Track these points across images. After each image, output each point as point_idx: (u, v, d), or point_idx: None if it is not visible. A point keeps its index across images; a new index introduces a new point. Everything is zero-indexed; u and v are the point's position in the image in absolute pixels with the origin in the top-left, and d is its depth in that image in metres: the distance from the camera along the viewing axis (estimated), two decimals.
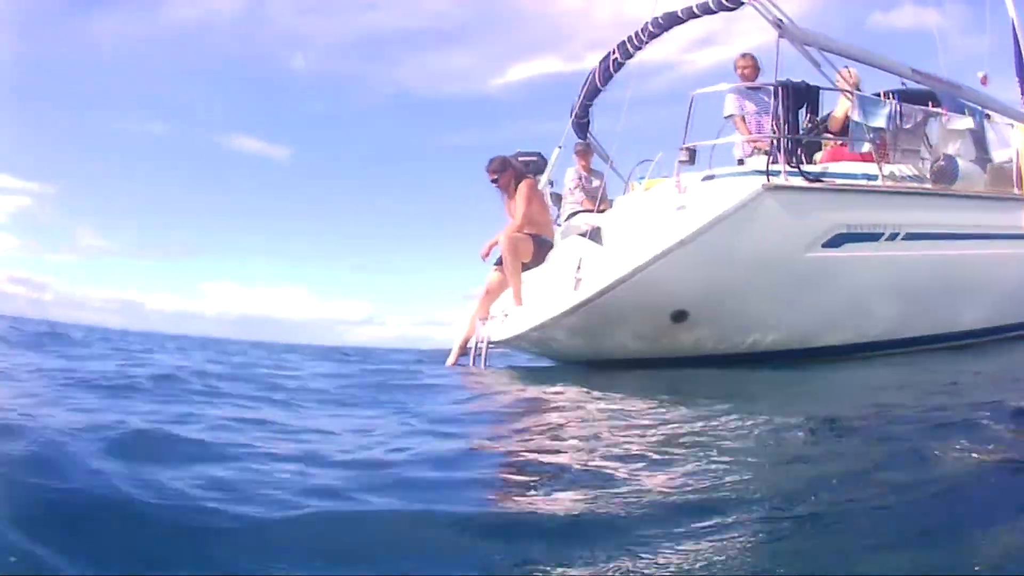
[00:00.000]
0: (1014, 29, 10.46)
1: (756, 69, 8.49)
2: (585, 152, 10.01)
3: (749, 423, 3.58)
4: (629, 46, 9.10)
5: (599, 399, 5.17)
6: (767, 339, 7.39)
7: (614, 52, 9.33)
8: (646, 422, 3.89)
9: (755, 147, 8.27)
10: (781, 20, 7.30)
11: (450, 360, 8.89)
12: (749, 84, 8.48)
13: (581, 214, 9.34)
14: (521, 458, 3.12)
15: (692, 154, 7.51)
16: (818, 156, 8.13)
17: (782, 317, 7.33)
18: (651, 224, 7.23)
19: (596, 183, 9.84)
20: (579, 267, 7.43)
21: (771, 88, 7.70)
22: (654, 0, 8.76)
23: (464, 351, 8.74)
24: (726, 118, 8.58)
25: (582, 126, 10.14)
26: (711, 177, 7.41)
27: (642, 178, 8.40)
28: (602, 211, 8.93)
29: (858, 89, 7.97)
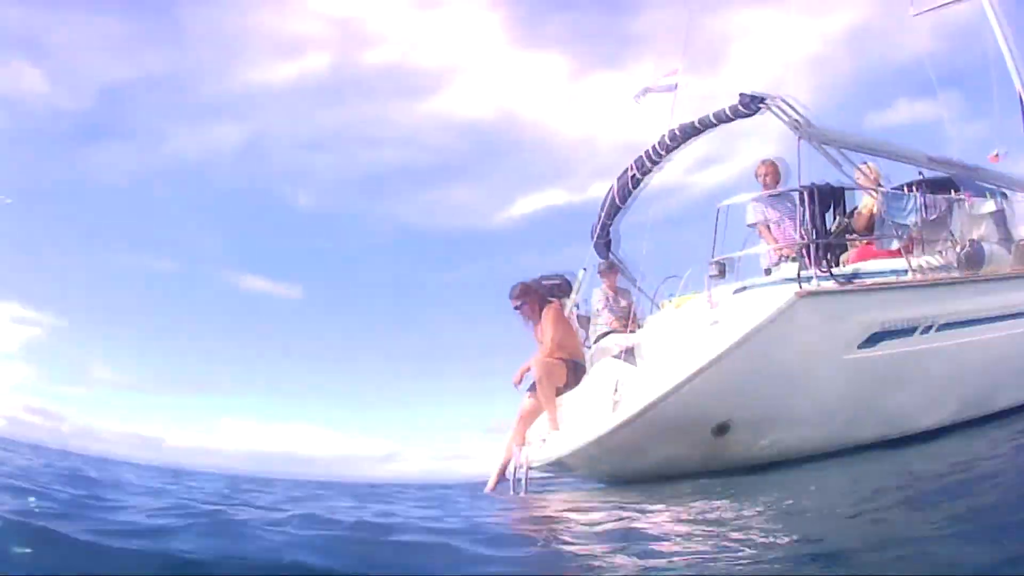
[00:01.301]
0: (1021, 102, 10.47)
1: (777, 175, 8.45)
2: (610, 272, 9.86)
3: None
4: (647, 160, 9.11)
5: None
6: (809, 443, 7.21)
7: (631, 168, 9.33)
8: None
9: (781, 255, 8.18)
10: (799, 122, 7.35)
11: (489, 486, 8.77)
12: (771, 192, 8.44)
13: (611, 335, 9.21)
14: None
15: (722, 268, 7.48)
16: (845, 256, 8.03)
17: (823, 421, 7.16)
18: (686, 341, 7.17)
19: (624, 303, 9.73)
20: (616, 389, 7.29)
21: (793, 193, 7.69)
22: (670, 112, 8.84)
23: (502, 477, 8.60)
24: (749, 226, 8.52)
25: (604, 246, 10.09)
26: (743, 289, 7.36)
27: (672, 295, 8.31)
28: (632, 330, 8.87)
29: (880, 184, 7.93)
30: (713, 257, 7.53)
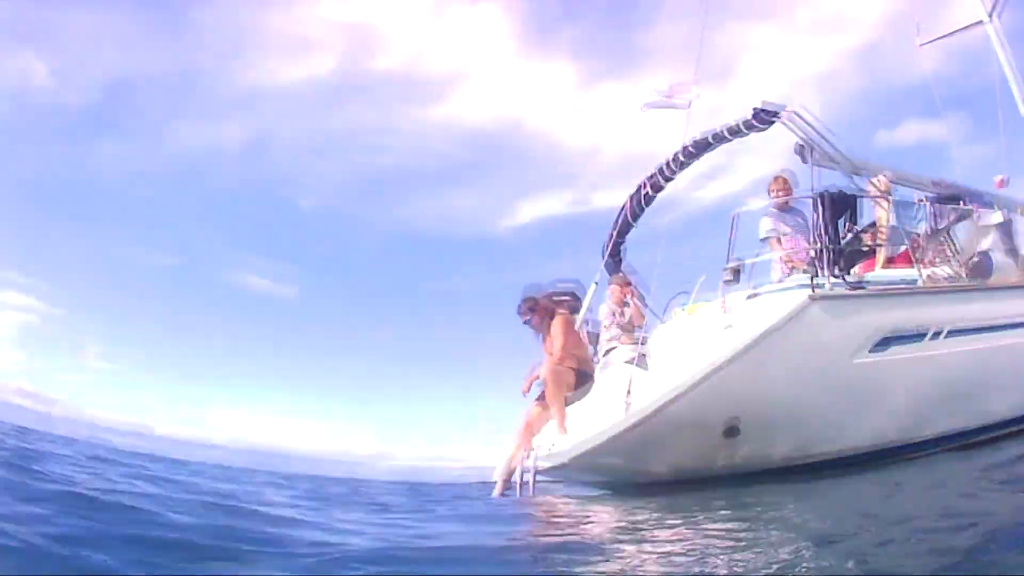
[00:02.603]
0: None
1: (789, 191, 8.51)
2: (624, 284, 9.87)
3: None
4: (660, 177, 9.23)
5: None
6: (818, 448, 7.26)
7: (644, 186, 9.45)
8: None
9: (792, 266, 8.24)
10: (803, 147, 7.53)
11: (496, 491, 8.70)
12: (782, 204, 8.51)
13: (619, 349, 9.24)
14: None
15: (736, 273, 7.56)
16: (856, 269, 8.10)
17: (832, 424, 7.21)
18: (699, 344, 7.21)
19: (626, 318, 9.77)
20: (629, 391, 7.31)
21: (806, 205, 7.80)
22: (683, 129, 8.95)
23: (508, 483, 8.58)
24: (762, 240, 8.59)
25: (616, 264, 10.19)
26: (755, 295, 7.41)
27: (684, 304, 8.36)
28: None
29: (889, 195, 8.03)
30: (728, 263, 7.62)
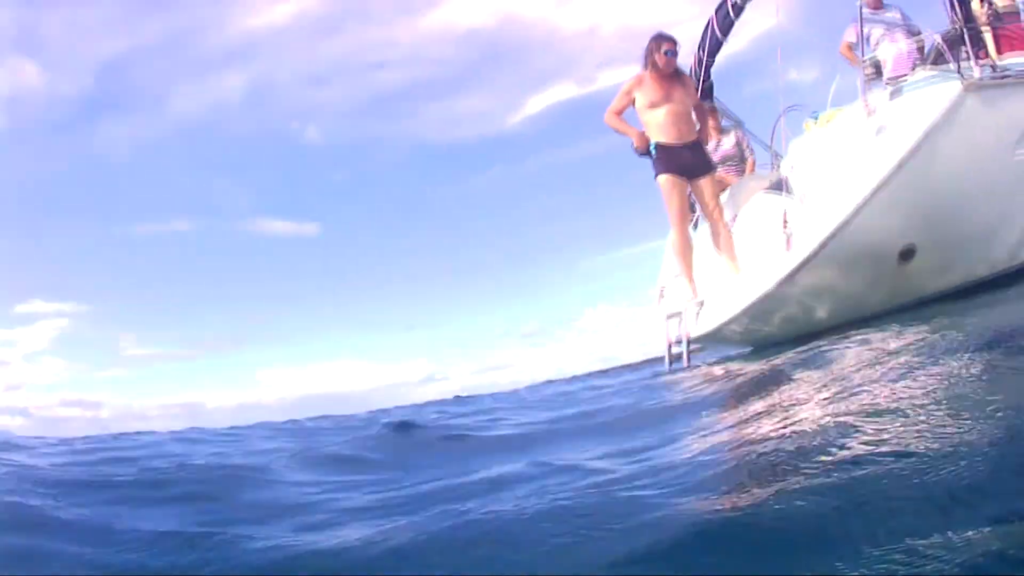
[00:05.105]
0: None
1: None
2: (712, 114, 8.92)
3: None
4: None
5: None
6: (998, 262, 6.60)
7: None
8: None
9: (915, 59, 7.35)
10: None
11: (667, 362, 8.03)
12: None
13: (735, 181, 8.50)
14: None
15: (878, 68, 6.72)
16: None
17: (1002, 234, 6.54)
18: (852, 156, 6.43)
19: (729, 146, 8.95)
20: (785, 221, 6.61)
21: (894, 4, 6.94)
22: None
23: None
24: (851, 45, 7.67)
25: (706, 90, 9.29)
26: (899, 91, 6.56)
27: (815, 114, 7.50)
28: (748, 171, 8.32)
29: None
30: (863, 56, 6.78)
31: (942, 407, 2.21)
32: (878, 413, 2.29)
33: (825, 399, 2.85)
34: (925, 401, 2.34)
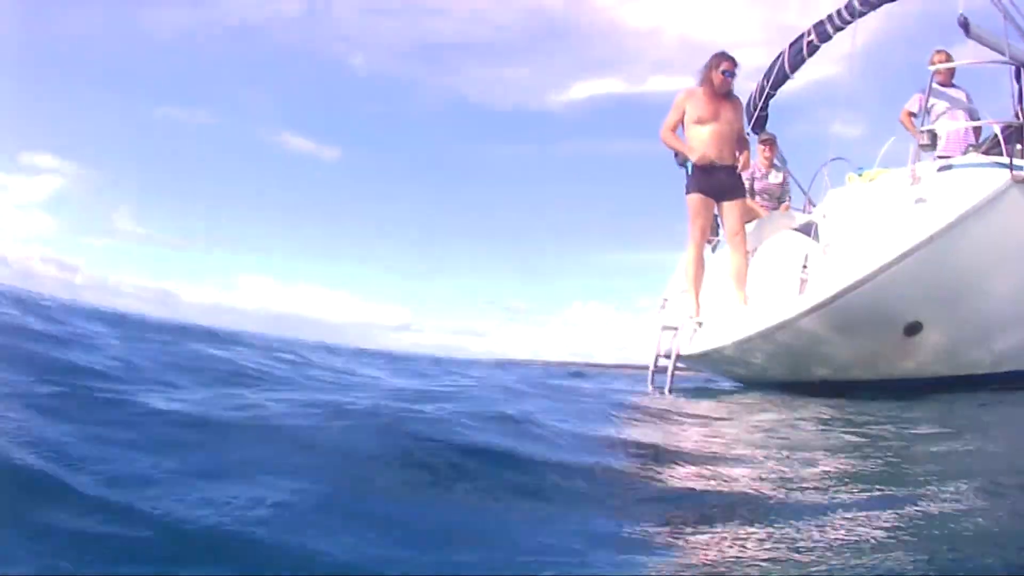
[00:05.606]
0: None
1: (952, 67, 7.53)
2: (771, 143, 8.87)
3: None
4: (829, 27, 8.22)
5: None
6: (1004, 357, 6.48)
7: (809, 34, 8.45)
8: None
9: (967, 144, 7.34)
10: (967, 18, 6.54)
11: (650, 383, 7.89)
12: (952, 64, 7.49)
13: (771, 215, 8.47)
14: None
15: (934, 138, 6.69)
16: None
17: (1020, 329, 6.40)
18: (885, 219, 6.40)
19: (775, 182, 8.91)
20: (804, 265, 6.62)
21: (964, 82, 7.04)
22: None
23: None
24: (912, 115, 7.62)
25: (762, 120, 9.28)
26: (948, 167, 6.54)
27: (860, 171, 7.48)
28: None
29: None
30: (922, 126, 6.77)
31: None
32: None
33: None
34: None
